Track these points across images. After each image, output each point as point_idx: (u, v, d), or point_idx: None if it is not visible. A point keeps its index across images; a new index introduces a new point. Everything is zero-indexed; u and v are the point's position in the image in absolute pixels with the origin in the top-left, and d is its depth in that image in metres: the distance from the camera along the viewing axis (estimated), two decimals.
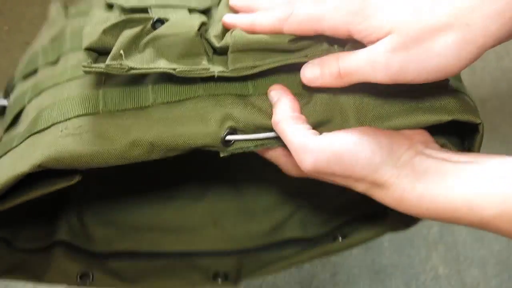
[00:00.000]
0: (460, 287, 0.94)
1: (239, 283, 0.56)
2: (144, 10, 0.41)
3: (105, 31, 0.39)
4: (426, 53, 0.33)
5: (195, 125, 0.39)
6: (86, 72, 0.38)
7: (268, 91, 0.40)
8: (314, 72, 0.38)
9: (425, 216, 0.37)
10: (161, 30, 0.39)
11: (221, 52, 0.40)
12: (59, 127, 0.39)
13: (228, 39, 0.39)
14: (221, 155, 0.40)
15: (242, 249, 0.58)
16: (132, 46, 0.39)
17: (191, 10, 0.42)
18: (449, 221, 0.36)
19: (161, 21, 0.40)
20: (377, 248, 0.97)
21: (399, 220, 0.55)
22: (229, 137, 0.39)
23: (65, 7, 0.51)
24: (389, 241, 0.97)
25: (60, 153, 0.37)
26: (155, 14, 0.41)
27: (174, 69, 0.38)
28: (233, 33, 0.39)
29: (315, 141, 0.37)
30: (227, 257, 0.58)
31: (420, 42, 0.33)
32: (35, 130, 0.40)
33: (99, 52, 0.40)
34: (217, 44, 0.40)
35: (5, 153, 0.41)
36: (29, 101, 0.43)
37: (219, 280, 0.56)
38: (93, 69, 0.37)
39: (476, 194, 0.34)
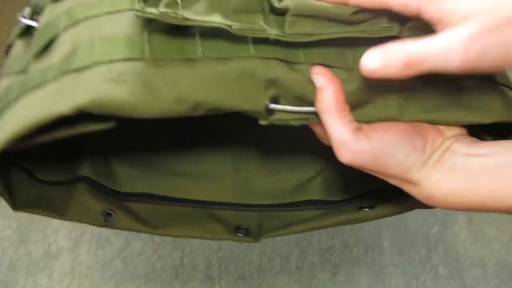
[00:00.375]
0: (460, 287, 0.93)
1: (260, 239, 0.55)
2: None
3: None
4: (504, 42, 0.33)
5: (242, 87, 0.37)
6: (138, 17, 0.36)
7: (313, 71, 0.39)
8: (376, 62, 0.35)
9: (454, 209, 0.39)
10: None
11: (279, 12, 0.38)
12: (101, 69, 0.36)
13: (289, 1, 0.37)
14: (261, 122, 0.39)
15: (264, 205, 0.58)
16: None
17: None
18: (478, 211, 0.38)
19: None
20: (377, 248, 0.97)
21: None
22: (272, 106, 0.38)
23: None
24: (389, 241, 0.97)
25: (103, 99, 0.35)
26: None
27: (230, 26, 0.36)
28: None
29: (355, 142, 0.38)
30: (249, 212, 0.57)
31: (498, 31, 0.33)
32: (74, 67, 0.37)
33: None
34: (276, 4, 0.37)
35: (38, 86, 0.38)
36: (65, 29, 0.40)
37: (240, 234, 0.55)
38: (146, 14, 0.35)
39: (502, 185, 0.36)
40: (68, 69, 0.37)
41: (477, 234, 0.97)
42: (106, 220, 0.51)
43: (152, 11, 0.35)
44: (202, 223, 0.55)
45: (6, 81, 0.42)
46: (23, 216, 1.01)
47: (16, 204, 0.47)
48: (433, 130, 0.40)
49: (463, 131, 0.41)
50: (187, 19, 0.35)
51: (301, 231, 0.55)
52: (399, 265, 0.95)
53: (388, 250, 0.97)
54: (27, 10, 0.46)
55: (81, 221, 0.51)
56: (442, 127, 0.40)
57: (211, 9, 0.36)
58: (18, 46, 0.44)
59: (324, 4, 0.37)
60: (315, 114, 0.40)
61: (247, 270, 0.94)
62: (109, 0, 0.40)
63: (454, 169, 0.38)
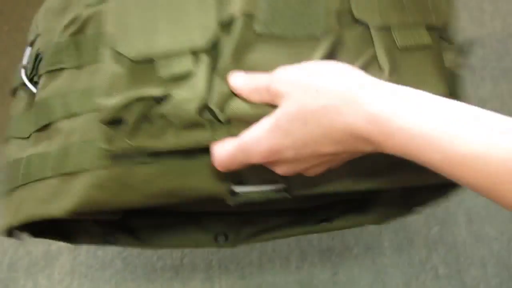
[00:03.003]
0: (460, 287, 0.94)
1: (237, 245, 0.61)
2: (151, 61, 0.44)
3: (118, 108, 0.43)
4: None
5: (206, 177, 0.45)
6: (107, 151, 0.44)
7: (231, 78, 0.44)
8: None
9: (393, 142, 0.36)
10: (165, 108, 0.43)
11: (225, 121, 0.44)
12: (88, 177, 0.45)
13: (228, 111, 0.43)
14: (230, 203, 0.46)
15: (244, 211, 0.63)
16: (140, 121, 0.43)
17: (195, 53, 0.44)
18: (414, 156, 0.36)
19: (164, 98, 0.43)
20: (377, 248, 0.97)
21: (381, 212, 0.60)
22: (237, 189, 0.45)
23: None
24: (389, 241, 0.97)
25: (90, 202, 0.45)
26: (160, 66, 0.44)
27: (183, 146, 0.43)
28: (232, 105, 0.43)
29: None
30: (229, 217, 0.63)
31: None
32: (67, 171, 0.46)
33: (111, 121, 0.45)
34: (220, 118, 0.43)
35: (40, 180, 0.47)
36: (61, 120, 0.48)
37: (220, 240, 0.62)
38: (113, 151, 0.44)
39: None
40: (61, 172, 0.46)
41: (477, 234, 0.97)
42: (107, 241, 0.61)
43: (118, 147, 0.44)
44: (190, 234, 0.62)
45: (14, 147, 0.52)
46: None
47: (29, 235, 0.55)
48: None
49: None
50: (144, 147, 0.43)
51: (273, 238, 0.63)
52: (399, 265, 0.95)
53: (388, 250, 0.97)
54: (26, 59, 0.54)
55: (85, 243, 0.60)
56: None
57: (164, 130, 0.43)
58: (20, 102, 0.53)
59: (259, 110, 0.42)
60: (280, 190, 0.46)
61: (247, 270, 0.94)
62: (89, 123, 0.47)
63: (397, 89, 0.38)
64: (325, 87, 0.38)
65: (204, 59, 0.43)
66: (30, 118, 0.51)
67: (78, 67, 0.49)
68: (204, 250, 0.96)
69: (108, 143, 0.44)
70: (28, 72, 0.53)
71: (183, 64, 0.43)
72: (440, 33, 0.48)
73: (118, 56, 0.44)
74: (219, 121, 0.43)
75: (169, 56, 0.44)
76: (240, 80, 0.43)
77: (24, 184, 0.48)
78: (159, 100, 0.43)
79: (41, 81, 0.51)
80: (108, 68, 0.44)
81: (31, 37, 0.55)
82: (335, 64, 0.40)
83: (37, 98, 0.50)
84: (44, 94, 0.50)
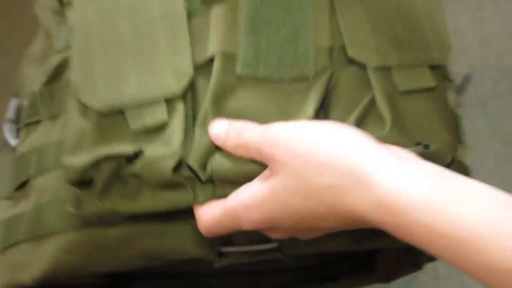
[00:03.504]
0: (460, 287, 0.93)
1: None
2: (120, 112, 0.39)
3: (85, 168, 0.38)
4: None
5: (188, 238, 0.41)
6: (76, 215, 0.40)
7: (211, 127, 0.39)
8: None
9: (409, 236, 0.29)
10: (138, 167, 0.38)
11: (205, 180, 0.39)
12: (57, 240, 0.41)
13: (209, 169, 0.38)
14: (216, 266, 0.42)
15: (247, 270, 0.56)
16: (111, 182, 0.39)
17: (169, 101, 0.39)
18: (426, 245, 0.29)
19: (136, 155, 0.38)
20: None
21: (390, 270, 0.54)
22: (224, 250, 0.41)
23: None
24: None
25: (59, 268, 0.41)
26: (130, 118, 0.39)
27: (160, 208, 0.39)
28: (214, 162, 0.38)
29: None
30: (229, 278, 0.57)
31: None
32: (37, 234, 0.42)
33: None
34: (201, 176, 0.38)
35: (14, 244, 0.44)
36: (34, 176, 0.44)
37: None
38: (82, 215, 0.40)
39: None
40: (33, 235, 0.42)
41: None
42: None
43: (87, 210, 0.39)
44: None
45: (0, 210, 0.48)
46: None
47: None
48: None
49: None
50: (117, 210, 0.39)
51: None
52: None
53: None
54: (11, 111, 0.50)
55: None
56: None
57: (138, 191, 0.39)
58: (6, 159, 0.49)
59: (242, 167, 0.37)
60: (273, 250, 0.42)
61: None
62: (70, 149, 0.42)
63: (414, 161, 0.31)
64: (329, 162, 0.31)
65: (180, 108, 0.38)
66: (11, 176, 0.47)
67: (53, 117, 0.45)
68: None
69: (77, 206, 0.39)
70: (14, 127, 0.49)
71: (156, 114, 0.38)
72: (443, 71, 0.43)
73: (84, 108, 0.40)
74: (200, 180, 0.38)
75: (140, 105, 0.39)
76: (223, 131, 0.37)
77: (2, 249, 0.44)
78: (130, 158, 0.38)
79: (21, 135, 0.47)
80: (74, 122, 0.40)
81: (16, 88, 0.52)
82: (337, 128, 0.33)
83: (16, 154, 0.47)
84: (23, 149, 0.46)
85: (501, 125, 1.03)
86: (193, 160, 0.37)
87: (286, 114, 0.39)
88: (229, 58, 0.39)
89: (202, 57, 0.40)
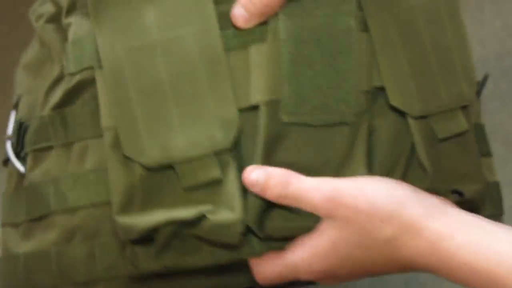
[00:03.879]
0: (460, 287, 0.93)
1: None
2: (168, 166, 0.38)
3: (145, 233, 0.37)
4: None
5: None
6: (131, 273, 0.40)
7: (247, 178, 0.38)
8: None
9: (456, 275, 0.35)
10: (202, 230, 0.37)
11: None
12: (105, 286, 0.41)
13: (266, 228, 0.38)
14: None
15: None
16: (170, 242, 0.38)
17: (218, 154, 0.38)
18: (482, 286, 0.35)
19: (198, 219, 0.38)
20: None
21: None
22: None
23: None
24: None
25: None
26: (182, 175, 0.38)
27: (219, 263, 0.39)
28: (270, 222, 0.38)
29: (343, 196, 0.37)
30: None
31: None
32: (77, 280, 0.41)
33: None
34: (259, 235, 0.39)
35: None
36: (57, 213, 0.42)
37: None
38: (140, 272, 0.39)
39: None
40: (73, 281, 0.41)
41: None
42: None
43: (144, 268, 0.39)
44: None
45: (8, 237, 0.45)
46: None
47: None
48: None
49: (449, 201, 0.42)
50: (175, 266, 0.39)
51: None
52: None
53: None
54: (11, 127, 0.48)
55: None
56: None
57: (196, 250, 0.39)
58: (12, 178, 0.47)
59: (296, 223, 0.38)
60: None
61: None
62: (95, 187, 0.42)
63: (469, 223, 0.36)
64: (390, 218, 0.35)
65: (230, 161, 0.38)
66: (21, 205, 0.45)
67: (67, 145, 0.43)
68: None
69: (134, 264, 0.38)
70: (14, 146, 0.47)
71: (209, 171, 0.37)
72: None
73: (127, 161, 0.38)
74: (258, 237, 0.38)
75: (190, 160, 0.38)
76: (261, 179, 0.37)
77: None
78: (192, 222, 0.37)
79: (28, 161, 0.45)
80: (118, 175, 0.38)
81: (14, 99, 0.50)
82: (391, 186, 0.37)
83: (26, 182, 0.45)
84: (34, 178, 0.44)
85: (501, 125, 1.03)
86: (251, 220, 0.37)
87: (330, 161, 0.39)
88: (273, 105, 0.38)
89: (245, 103, 0.39)
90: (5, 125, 1.16)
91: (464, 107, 0.42)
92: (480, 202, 0.42)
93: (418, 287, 0.94)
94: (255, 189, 0.37)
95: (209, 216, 0.37)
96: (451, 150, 0.41)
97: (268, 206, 0.38)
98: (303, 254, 0.37)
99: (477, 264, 0.33)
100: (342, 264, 0.37)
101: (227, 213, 0.37)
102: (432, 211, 0.36)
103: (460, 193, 0.41)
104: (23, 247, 0.43)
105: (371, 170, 0.40)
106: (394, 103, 0.39)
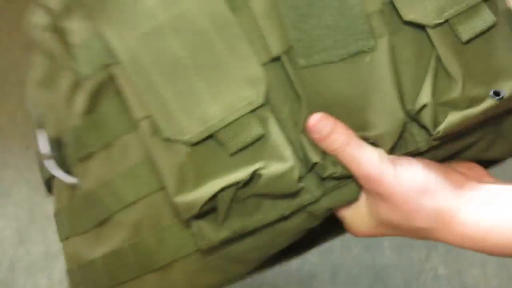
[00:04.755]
0: (460, 287, 0.93)
1: None
2: (210, 136, 0.38)
3: (203, 204, 0.38)
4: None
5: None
6: (206, 245, 0.40)
7: (312, 125, 0.39)
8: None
9: (493, 249, 0.39)
10: (260, 187, 0.38)
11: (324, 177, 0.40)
12: (184, 265, 0.42)
13: (332, 169, 0.39)
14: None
15: None
16: (231, 207, 0.39)
17: (254, 111, 0.38)
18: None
19: (251, 178, 0.38)
20: (377, 248, 0.97)
21: None
22: None
23: None
24: (389, 241, 0.97)
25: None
26: (225, 141, 0.38)
27: (282, 213, 0.39)
28: (334, 169, 0.39)
29: (395, 169, 0.38)
30: None
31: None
32: (155, 266, 0.42)
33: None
34: (324, 174, 0.39)
35: (132, 279, 0.43)
36: (118, 212, 0.43)
37: None
38: (209, 244, 0.40)
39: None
40: (152, 268, 0.42)
41: None
42: None
43: (212, 240, 0.39)
44: None
45: (75, 248, 0.47)
46: (23, 216, 1.01)
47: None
48: (452, 168, 0.41)
49: (484, 171, 0.43)
50: (241, 229, 0.40)
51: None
52: (399, 265, 0.95)
53: (388, 250, 0.97)
54: (46, 147, 0.48)
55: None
56: (461, 168, 0.42)
57: (257, 207, 0.40)
58: (61, 196, 0.48)
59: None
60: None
61: None
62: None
63: (498, 197, 0.38)
64: (419, 210, 0.38)
65: (268, 115, 0.38)
66: (82, 214, 0.46)
67: (106, 146, 0.43)
68: None
69: (201, 239, 0.39)
70: (59, 162, 0.47)
71: (250, 129, 0.38)
72: None
73: (169, 143, 0.38)
74: (321, 178, 0.39)
75: (229, 124, 0.38)
76: (326, 131, 0.38)
77: (114, 286, 0.44)
78: (247, 182, 0.38)
79: (77, 171, 0.46)
80: (165, 160, 0.39)
81: (35, 118, 0.49)
82: (424, 173, 0.38)
83: (81, 192, 0.46)
84: (89, 186, 0.45)
85: None
86: (322, 166, 0.39)
87: (361, 92, 0.38)
88: (289, 54, 0.38)
89: (266, 57, 0.38)
90: (5, 124, 1.16)
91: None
92: None
93: (418, 287, 0.94)
94: (315, 136, 0.38)
95: (262, 172, 0.37)
96: (481, 49, 0.39)
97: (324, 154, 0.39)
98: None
99: (507, 240, 0.37)
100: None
101: (278, 164, 0.38)
102: (461, 204, 0.38)
103: (498, 94, 0.39)
104: (97, 251, 0.44)
105: (401, 91, 0.39)
106: (408, 17, 0.38)
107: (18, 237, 0.98)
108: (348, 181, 0.40)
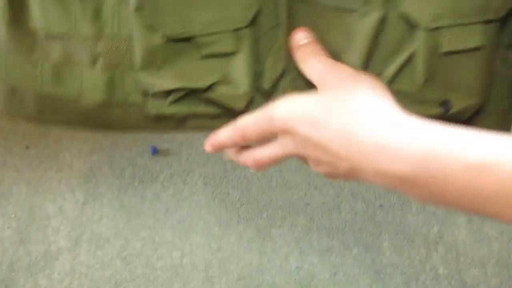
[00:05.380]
0: (460, 287, 0.93)
1: None
2: (188, 38, 0.41)
3: (164, 92, 0.42)
4: None
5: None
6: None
7: (298, 31, 0.41)
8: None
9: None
10: (212, 96, 0.42)
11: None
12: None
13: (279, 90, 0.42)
14: None
15: None
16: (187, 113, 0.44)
17: (236, 30, 0.41)
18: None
19: (207, 88, 0.42)
20: (377, 248, 0.97)
21: None
22: None
23: None
24: (389, 241, 0.97)
25: None
26: (200, 44, 0.42)
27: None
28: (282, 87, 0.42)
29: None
30: None
31: None
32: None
33: None
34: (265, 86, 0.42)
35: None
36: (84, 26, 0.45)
37: None
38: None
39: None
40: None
41: (477, 234, 0.97)
42: None
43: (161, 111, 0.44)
44: None
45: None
46: (23, 216, 1.01)
47: None
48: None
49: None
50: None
51: None
52: (399, 265, 0.95)
53: (388, 250, 0.97)
54: None
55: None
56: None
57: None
58: None
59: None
60: None
61: (247, 270, 0.94)
62: None
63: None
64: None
65: (247, 38, 0.41)
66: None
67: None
68: (204, 250, 0.96)
69: (149, 106, 0.44)
70: None
71: (225, 44, 0.41)
72: (502, 25, 0.40)
73: (150, 29, 0.41)
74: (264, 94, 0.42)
75: (209, 33, 0.41)
76: (308, 49, 0.40)
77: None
78: (203, 90, 0.42)
79: None
80: (141, 38, 0.42)
81: None
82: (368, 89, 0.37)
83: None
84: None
85: None
86: (267, 83, 0.42)
87: (334, 43, 0.41)
88: None
89: None
90: (5, 124, 1.16)
91: (488, 23, 0.39)
92: (468, 118, 0.41)
93: (418, 287, 0.94)
94: (295, 42, 0.41)
95: (219, 87, 0.42)
96: (457, 64, 0.39)
97: (282, 76, 0.42)
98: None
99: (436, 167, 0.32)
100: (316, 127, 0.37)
101: (235, 87, 0.42)
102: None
103: (446, 105, 0.40)
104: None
105: (366, 63, 0.40)
106: (408, 11, 0.38)
107: (18, 237, 0.98)
108: None
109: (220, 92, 0.42)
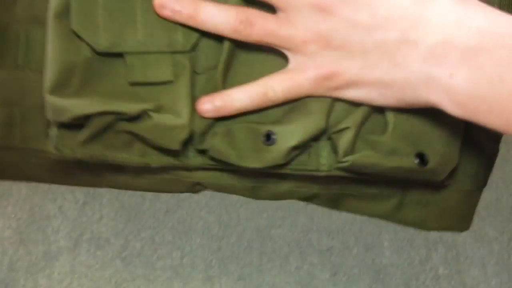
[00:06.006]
0: (460, 287, 0.93)
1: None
2: (118, 54, 0.35)
3: (77, 118, 0.34)
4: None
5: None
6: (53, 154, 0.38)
7: None
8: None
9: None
10: (143, 129, 0.35)
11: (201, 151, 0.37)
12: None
13: (208, 145, 0.36)
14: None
15: None
16: (101, 133, 0.36)
17: (175, 54, 0.35)
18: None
19: (139, 116, 0.35)
20: (377, 248, 0.97)
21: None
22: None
23: None
24: (389, 241, 0.97)
25: None
26: (131, 67, 0.35)
27: (147, 164, 0.37)
28: (212, 142, 0.36)
29: None
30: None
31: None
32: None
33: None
34: (199, 146, 0.37)
35: None
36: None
37: None
38: (61, 155, 0.37)
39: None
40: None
41: (477, 234, 0.97)
42: None
43: (69, 153, 0.36)
44: None
45: None
46: (23, 216, 1.01)
47: None
48: None
49: None
50: (102, 157, 0.36)
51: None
52: (399, 265, 0.95)
53: (388, 250, 0.97)
54: None
55: None
56: None
57: (130, 145, 0.36)
58: None
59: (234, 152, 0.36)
60: None
61: (247, 270, 0.94)
62: None
63: None
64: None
65: (186, 66, 0.35)
66: None
67: None
68: (204, 250, 0.96)
69: (56, 148, 0.36)
70: None
71: (161, 71, 0.35)
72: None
73: (74, 37, 0.34)
74: (195, 150, 0.37)
75: (144, 53, 0.35)
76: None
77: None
78: (133, 118, 0.35)
79: None
80: (58, 51, 0.34)
81: None
82: None
83: None
84: None
85: None
86: (198, 128, 0.36)
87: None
88: None
89: None
90: None
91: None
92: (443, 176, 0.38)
93: (418, 287, 0.94)
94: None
95: (153, 115, 0.34)
96: (425, 113, 0.37)
97: (215, 122, 0.36)
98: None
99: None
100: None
101: (173, 117, 0.35)
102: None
103: (423, 159, 0.37)
104: None
105: (331, 107, 0.36)
106: None
107: (18, 237, 0.98)
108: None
109: (153, 123, 0.34)
